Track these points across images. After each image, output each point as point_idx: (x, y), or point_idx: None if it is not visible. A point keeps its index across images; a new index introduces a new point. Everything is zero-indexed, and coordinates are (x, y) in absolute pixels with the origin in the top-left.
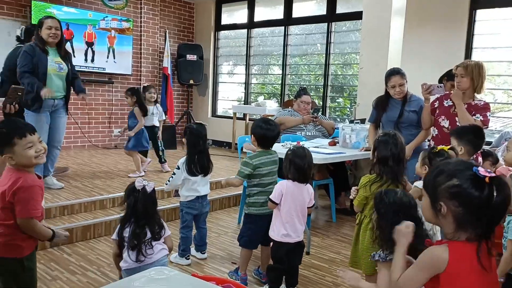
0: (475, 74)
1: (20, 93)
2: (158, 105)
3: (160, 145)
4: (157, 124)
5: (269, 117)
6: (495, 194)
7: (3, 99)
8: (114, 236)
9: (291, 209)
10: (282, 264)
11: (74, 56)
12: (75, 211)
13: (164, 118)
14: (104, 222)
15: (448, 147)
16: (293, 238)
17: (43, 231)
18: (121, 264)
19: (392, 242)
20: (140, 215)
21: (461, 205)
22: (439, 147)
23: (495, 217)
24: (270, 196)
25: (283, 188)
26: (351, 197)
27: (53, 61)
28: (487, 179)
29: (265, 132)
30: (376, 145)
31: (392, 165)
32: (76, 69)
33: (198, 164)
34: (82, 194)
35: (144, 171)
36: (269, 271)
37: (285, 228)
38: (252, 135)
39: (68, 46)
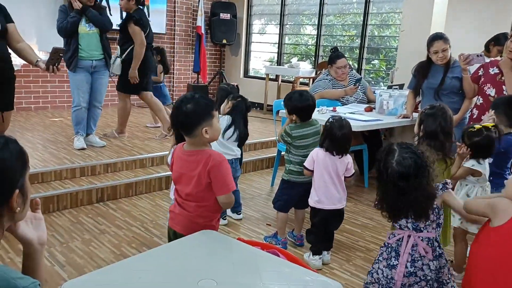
0: None
1: (62, 54)
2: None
3: None
4: None
5: (306, 90)
6: None
7: (46, 60)
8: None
9: (324, 176)
10: (318, 228)
11: (111, 14)
12: (117, 169)
13: None
14: (144, 180)
15: (492, 124)
16: (327, 205)
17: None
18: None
19: (398, 210)
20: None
21: None
22: (476, 126)
23: None
24: (304, 163)
25: (314, 156)
26: None
27: (84, 21)
28: None
29: (303, 104)
30: (423, 118)
31: (442, 139)
32: (113, 28)
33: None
34: (123, 153)
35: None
36: (307, 235)
37: (317, 194)
38: (290, 111)
39: (104, 2)
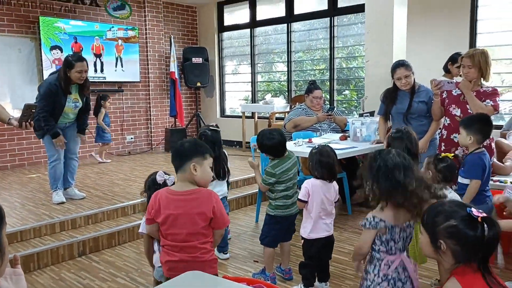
0: (482, 63)
1: (34, 110)
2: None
3: None
4: None
5: (276, 127)
6: (486, 231)
7: (18, 117)
8: (141, 229)
9: (319, 206)
10: (314, 260)
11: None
12: (99, 220)
13: None
14: (127, 228)
15: (452, 154)
16: (322, 234)
17: None
18: (155, 262)
19: (387, 196)
20: None
21: (458, 243)
22: (443, 154)
23: (489, 251)
24: (299, 196)
25: (309, 187)
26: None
27: (71, 100)
28: (479, 219)
29: (273, 142)
30: (390, 141)
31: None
32: None
33: (214, 170)
34: (104, 203)
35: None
36: (301, 268)
37: (314, 226)
38: (264, 153)
39: None
